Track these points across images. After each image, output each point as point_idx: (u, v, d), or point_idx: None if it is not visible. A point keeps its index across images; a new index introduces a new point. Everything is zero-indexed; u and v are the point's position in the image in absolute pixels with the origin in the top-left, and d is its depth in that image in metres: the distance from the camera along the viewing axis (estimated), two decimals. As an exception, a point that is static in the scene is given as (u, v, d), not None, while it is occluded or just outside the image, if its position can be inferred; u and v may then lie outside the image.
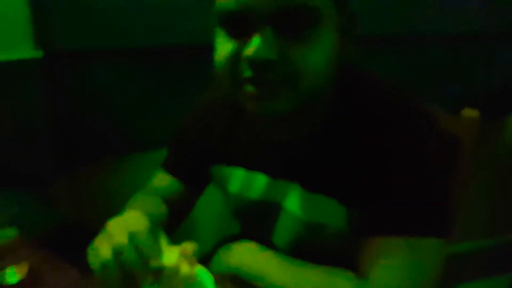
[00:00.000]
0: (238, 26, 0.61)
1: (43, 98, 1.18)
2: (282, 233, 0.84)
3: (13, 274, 0.79)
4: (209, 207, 1.03)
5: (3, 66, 1.10)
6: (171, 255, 0.59)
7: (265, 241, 0.84)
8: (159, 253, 0.59)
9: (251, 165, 0.85)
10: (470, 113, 0.94)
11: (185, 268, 0.59)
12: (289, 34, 0.60)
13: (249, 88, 0.63)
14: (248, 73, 0.61)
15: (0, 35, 1.09)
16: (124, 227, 0.59)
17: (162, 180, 0.95)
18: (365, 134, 0.69)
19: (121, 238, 0.58)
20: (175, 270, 0.58)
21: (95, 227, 0.93)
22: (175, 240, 0.93)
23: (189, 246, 0.60)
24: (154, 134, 1.31)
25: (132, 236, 0.58)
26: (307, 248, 0.80)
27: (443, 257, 0.68)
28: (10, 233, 0.79)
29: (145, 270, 0.56)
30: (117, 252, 0.57)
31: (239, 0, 0.59)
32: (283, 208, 0.82)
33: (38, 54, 1.14)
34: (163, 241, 0.63)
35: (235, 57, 0.62)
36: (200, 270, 0.65)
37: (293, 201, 0.79)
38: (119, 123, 1.35)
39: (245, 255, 0.80)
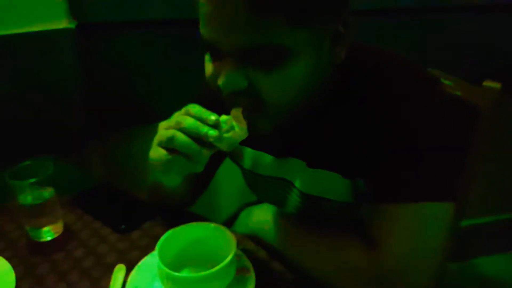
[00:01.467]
0: (214, 53, 0.63)
1: (76, 67, 1.22)
2: (291, 207, 0.86)
3: (49, 232, 0.84)
4: (231, 176, 1.06)
5: (38, 36, 1.14)
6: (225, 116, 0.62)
7: None
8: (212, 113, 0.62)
9: (256, 145, 0.86)
10: (491, 84, 0.94)
11: (237, 128, 0.62)
12: (257, 65, 0.59)
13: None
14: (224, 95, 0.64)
15: (36, 7, 1.13)
16: (176, 113, 0.64)
17: None
18: (368, 106, 0.69)
19: (177, 116, 0.62)
20: (231, 123, 0.61)
21: (123, 188, 0.97)
22: (197, 209, 0.97)
23: (236, 111, 0.63)
24: (181, 103, 1.33)
25: (186, 110, 0.62)
26: (314, 220, 0.81)
27: (449, 221, 0.68)
28: (46, 193, 0.82)
29: (207, 127, 0.60)
30: (178, 123, 0.61)
31: (208, 32, 0.60)
32: (291, 184, 0.83)
33: (71, 25, 1.18)
34: None
35: (215, 79, 0.63)
36: (225, 230, 0.69)
37: (299, 178, 0.81)
38: (147, 92, 1.38)
39: (264, 218, 0.83)
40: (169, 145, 0.61)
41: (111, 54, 1.31)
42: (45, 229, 0.84)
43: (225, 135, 0.61)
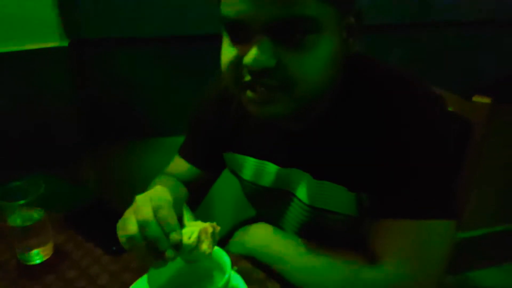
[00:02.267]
0: (239, 33, 0.63)
1: (70, 84, 1.22)
2: (293, 219, 0.86)
3: (38, 255, 0.83)
4: (226, 190, 1.06)
5: (32, 54, 1.15)
6: (193, 230, 0.61)
7: (277, 226, 0.87)
8: (180, 227, 0.61)
9: (261, 154, 0.86)
10: (481, 99, 0.94)
11: (204, 245, 0.61)
12: (287, 42, 0.60)
13: (249, 93, 0.65)
14: (247, 77, 0.64)
15: (29, 26, 1.13)
16: (149, 202, 0.62)
17: (179, 165, 0.98)
18: (372, 120, 0.69)
19: (146, 212, 0.61)
20: (193, 246, 0.61)
21: (118, 207, 0.97)
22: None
23: (210, 226, 0.63)
24: (174, 119, 1.34)
25: (156, 210, 0.61)
26: (317, 233, 0.81)
27: (452, 238, 0.69)
28: (36, 214, 0.81)
29: (167, 243, 0.59)
30: (142, 226, 0.60)
31: (237, 9, 0.60)
32: (293, 195, 0.83)
33: (64, 43, 1.19)
34: (187, 216, 0.66)
35: (237, 62, 0.64)
36: (219, 251, 0.68)
37: (302, 189, 0.81)
38: (140, 107, 1.38)
39: (261, 237, 0.82)
40: (129, 241, 0.61)
41: (103, 71, 1.31)
42: (34, 251, 0.82)
43: (184, 255, 0.61)
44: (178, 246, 0.60)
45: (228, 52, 0.65)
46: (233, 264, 0.68)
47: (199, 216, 0.98)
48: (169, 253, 0.59)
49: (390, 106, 0.68)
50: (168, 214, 0.61)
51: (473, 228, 1.95)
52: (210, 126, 0.93)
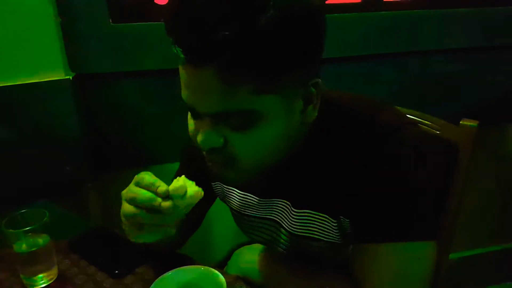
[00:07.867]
0: (193, 111, 0.67)
1: (74, 116, 1.27)
2: (279, 246, 0.87)
3: (43, 279, 0.85)
4: (224, 215, 1.08)
5: (37, 86, 1.20)
6: (177, 182, 0.63)
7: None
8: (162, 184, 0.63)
9: (243, 187, 0.89)
10: (469, 122, 0.97)
11: (191, 187, 0.63)
12: (230, 127, 0.63)
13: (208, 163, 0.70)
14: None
15: (35, 59, 1.18)
16: (129, 185, 0.65)
17: None
18: (344, 150, 0.71)
19: (131, 190, 0.64)
20: (182, 190, 0.62)
21: (118, 231, 0.99)
22: (192, 250, 0.98)
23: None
24: (173, 147, 1.37)
25: (137, 182, 0.64)
26: (304, 259, 0.83)
27: (433, 260, 0.70)
28: (41, 241, 0.84)
29: (159, 199, 0.62)
30: (132, 200, 0.63)
31: (186, 96, 0.64)
32: (278, 223, 0.85)
33: (68, 75, 1.23)
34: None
35: (196, 135, 0.67)
36: (214, 273, 0.71)
37: (285, 218, 0.83)
38: (143, 136, 1.43)
39: (255, 258, 0.85)
40: (135, 220, 0.64)
41: (107, 102, 1.36)
42: (39, 276, 0.85)
43: (179, 202, 0.62)
44: (168, 196, 0.62)
45: (190, 124, 0.70)
46: (229, 285, 0.70)
47: (197, 240, 1.01)
48: (164, 204, 0.61)
49: (361, 137, 0.71)
50: (149, 177, 0.64)
51: (466, 249, 1.95)
52: (198, 158, 0.95)
